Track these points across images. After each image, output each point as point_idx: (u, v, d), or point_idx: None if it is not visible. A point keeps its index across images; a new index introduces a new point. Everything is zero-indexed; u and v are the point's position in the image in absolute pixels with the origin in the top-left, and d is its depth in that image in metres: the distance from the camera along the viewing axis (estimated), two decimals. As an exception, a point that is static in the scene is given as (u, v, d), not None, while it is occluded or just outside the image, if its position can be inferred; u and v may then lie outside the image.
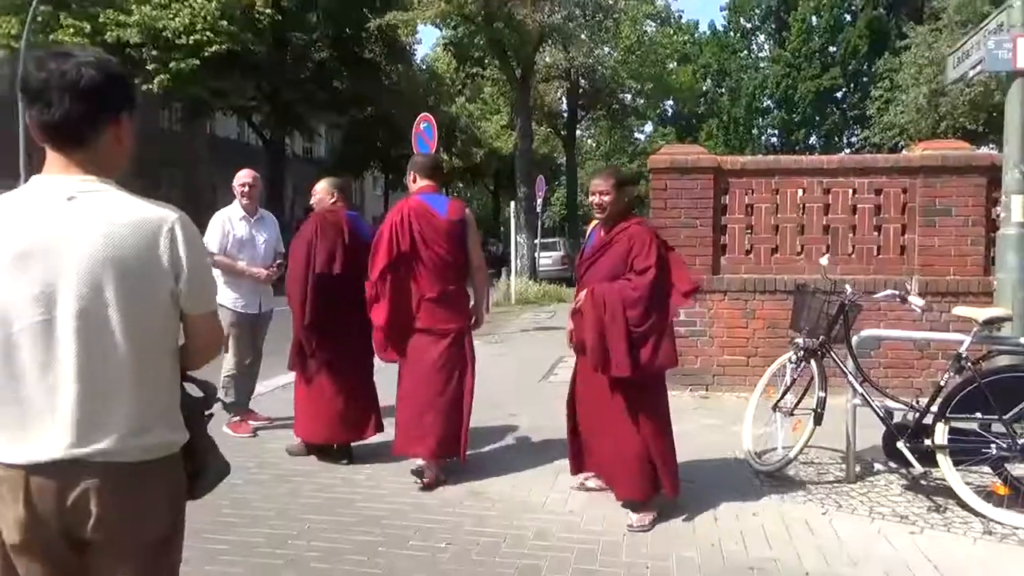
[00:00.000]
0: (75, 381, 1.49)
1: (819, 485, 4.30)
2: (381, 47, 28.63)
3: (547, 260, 20.65)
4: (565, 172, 37.32)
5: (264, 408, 5.83)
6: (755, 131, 32.57)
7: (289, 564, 3.28)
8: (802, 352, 4.42)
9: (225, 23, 19.99)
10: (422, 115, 10.28)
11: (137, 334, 1.53)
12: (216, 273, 5.21)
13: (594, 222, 4.19)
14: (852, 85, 31.74)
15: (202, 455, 1.74)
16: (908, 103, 23.69)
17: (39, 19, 18.84)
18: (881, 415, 4.07)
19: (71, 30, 19.19)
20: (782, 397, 4.52)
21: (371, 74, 27.67)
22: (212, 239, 5.25)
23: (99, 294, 1.49)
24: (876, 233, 6.55)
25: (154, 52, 19.95)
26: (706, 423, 5.69)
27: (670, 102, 35.05)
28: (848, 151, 30.21)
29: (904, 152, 7.34)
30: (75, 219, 1.50)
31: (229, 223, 5.39)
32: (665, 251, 3.83)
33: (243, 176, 5.47)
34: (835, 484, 4.31)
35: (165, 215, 1.60)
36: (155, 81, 20.24)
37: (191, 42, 19.68)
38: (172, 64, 19.93)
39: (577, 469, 4.17)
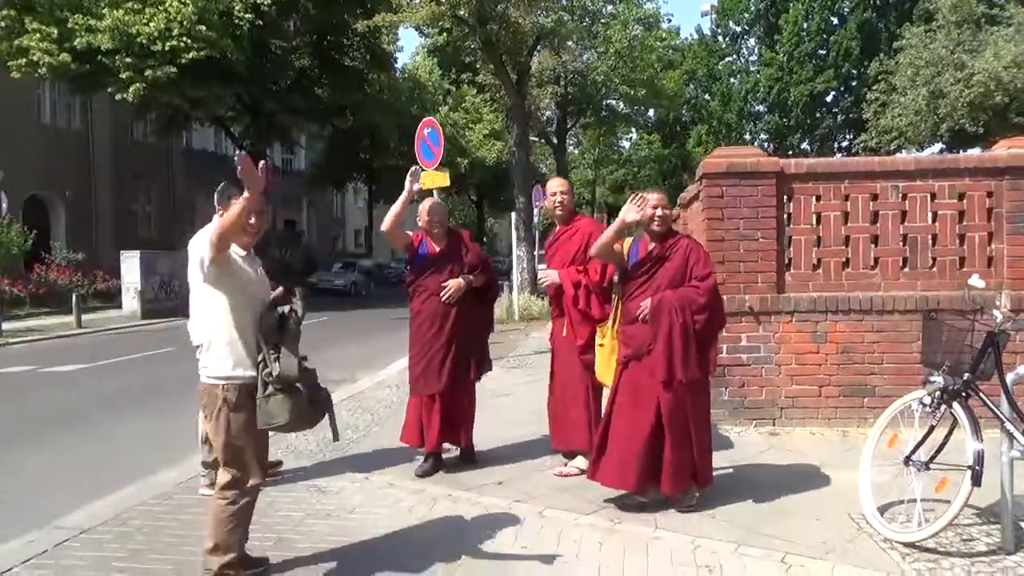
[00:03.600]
0: None
1: (971, 558, 3.48)
2: (363, 54, 27.80)
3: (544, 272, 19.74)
4: (546, 181, 36.60)
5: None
6: (748, 136, 32.06)
7: None
8: (939, 393, 3.62)
9: (203, 28, 19.00)
10: (426, 120, 9.43)
11: None
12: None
13: (630, 238, 4.32)
14: (843, 88, 31.32)
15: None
16: (907, 105, 23.29)
17: (2, 24, 17.83)
18: (1053, 473, 3.29)
19: (37, 36, 18.12)
20: (916, 448, 3.70)
21: (353, 83, 26.82)
22: None
23: None
24: (960, 243, 5.81)
25: (128, 59, 18.91)
26: (791, 469, 4.87)
27: (651, 112, 34.51)
28: (841, 156, 29.80)
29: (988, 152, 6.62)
30: None
31: None
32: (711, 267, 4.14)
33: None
34: (991, 556, 3.50)
35: None
36: (130, 90, 19.21)
37: (167, 48, 18.67)
38: (148, 72, 18.90)
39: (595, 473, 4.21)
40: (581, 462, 4.83)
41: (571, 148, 40.75)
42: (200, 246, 3.21)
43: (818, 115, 32.03)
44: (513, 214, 16.17)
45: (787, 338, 5.81)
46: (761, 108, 32.94)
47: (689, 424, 3.98)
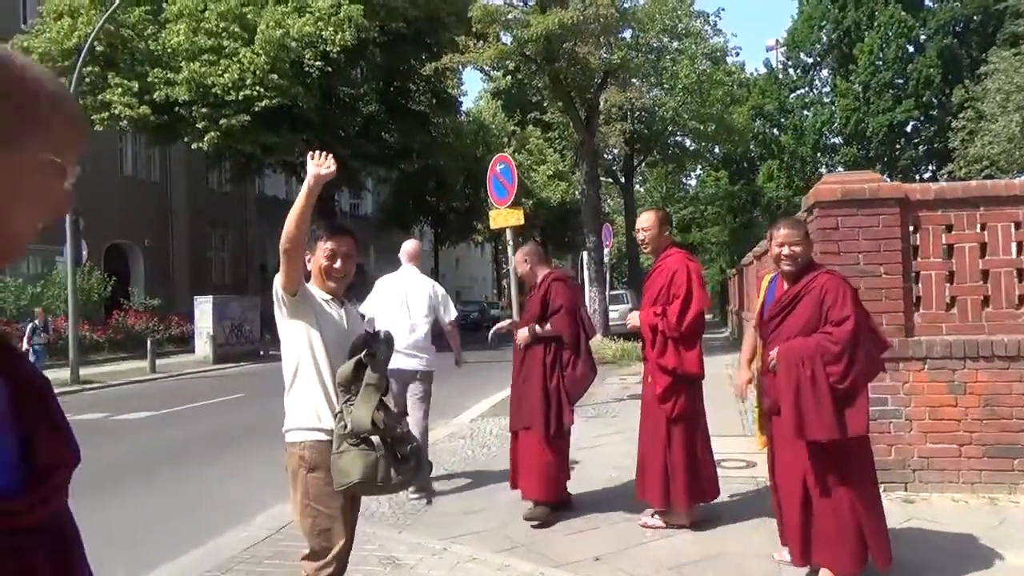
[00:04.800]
0: None
1: None
2: (429, 98, 28.09)
3: (614, 314, 19.14)
4: (612, 220, 36.05)
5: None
6: (823, 170, 30.89)
7: None
8: None
9: (275, 77, 19.38)
10: (498, 156, 9.09)
11: None
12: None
13: (770, 274, 4.02)
14: (923, 118, 29.97)
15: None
16: (998, 132, 21.96)
17: (87, 80, 18.53)
18: None
19: (119, 90, 18.79)
20: None
21: (419, 126, 27.08)
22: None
23: None
24: (1122, 277, 5.01)
25: (203, 109, 19.41)
26: (941, 546, 4.12)
27: (717, 148, 33.76)
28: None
29: None
30: None
31: None
32: (858, 307, 3.53)
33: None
34: None
35: None
36: (205, 139, 19.69)
37: (241, 98, 19.09)
38: (222, 121, 19.35)
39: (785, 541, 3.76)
40: (670, 516, 4.55)
41: (637, 186, 40.20)
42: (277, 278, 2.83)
43: (898, 146, 30.70)
44: (584, 253, 15.71)
45: (919, 388, 5.07)
46: (837, 140, 31.80)
47: (843, 489, 3.47)
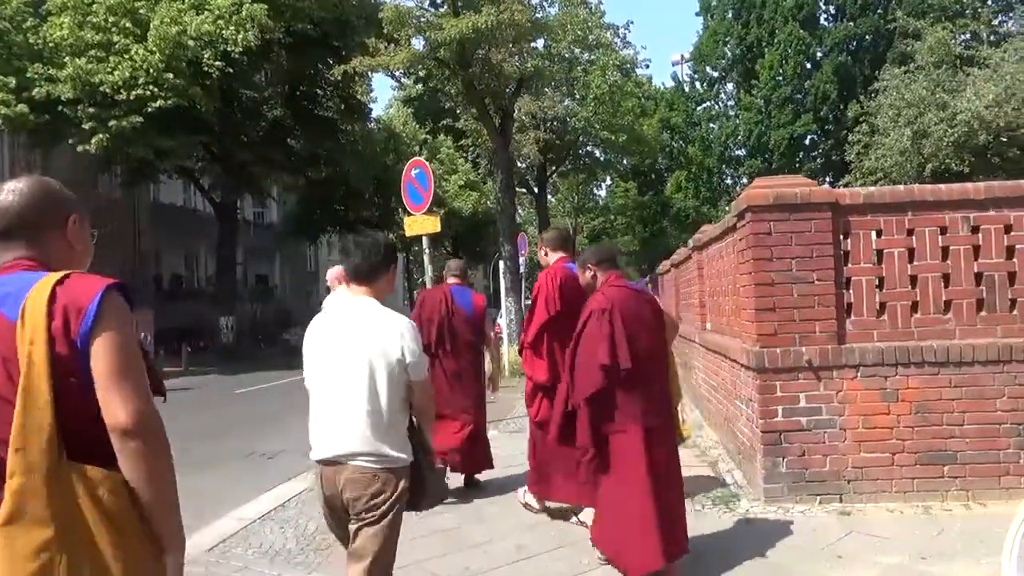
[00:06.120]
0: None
1: None
2: (337, 104, 27.26)
3: (530, 323, 18.90)
4: (525, 230, 36.03)
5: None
6: (729, 181, 31.84)
7: None
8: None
9: (170, 76, 18.20)
10: (413, 160, 8.68)
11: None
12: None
13: None
14: (821, 132, 31.33)
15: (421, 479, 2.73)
16: (891, 146, 23.08)
17: (-44, 75, 16.93)
18: None
19: (-7, 86, 17.22)
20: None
21: (327, 133, 26.18)
22: None
23: None
24: (1042, 281, 5.05)
25: (90, 109, 18.02)
26: (886, 565, 3.95)
27: (625, 160, 34.37)
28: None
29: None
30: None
31: None
32: (587, 327, 3.79)
33: None
34: None
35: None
36: (92, 141, 18.28)
37: (132, 97, 17.82)
38: (112, 122, 18.00)
39: None
40: (586, 516, 4.50)
41: (549, 196, 40.31)
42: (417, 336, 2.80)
43: (798, 158, 31.99)
44: (501, 263, 15.41)
45: (852, 397, 4.96)
46: (741, 152, 32.86)
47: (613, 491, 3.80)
